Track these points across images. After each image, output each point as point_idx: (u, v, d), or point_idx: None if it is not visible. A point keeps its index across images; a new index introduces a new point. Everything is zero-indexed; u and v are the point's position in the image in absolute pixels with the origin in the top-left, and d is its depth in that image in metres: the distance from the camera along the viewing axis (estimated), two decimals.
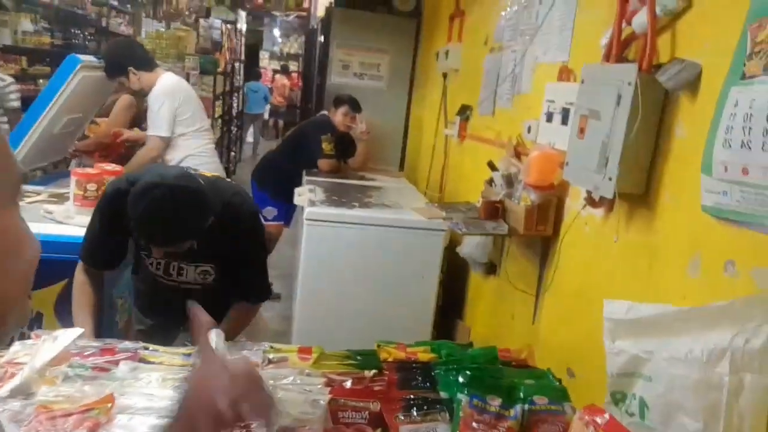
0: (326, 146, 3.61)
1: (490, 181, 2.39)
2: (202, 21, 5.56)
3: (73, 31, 5.82)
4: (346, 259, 2.68)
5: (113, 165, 2.39)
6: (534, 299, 2.15)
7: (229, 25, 6.48)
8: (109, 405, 0.97)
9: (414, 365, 1.30)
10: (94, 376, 1.10)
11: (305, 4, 6.14)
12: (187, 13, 4.66)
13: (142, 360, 1.18)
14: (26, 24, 4.90)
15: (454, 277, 3.01)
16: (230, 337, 1.60)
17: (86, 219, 2.20)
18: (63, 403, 0.99)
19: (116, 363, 1.15)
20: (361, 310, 2.69)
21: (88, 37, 6.20)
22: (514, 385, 1.21)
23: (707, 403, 1.10)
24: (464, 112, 3.15)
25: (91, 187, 2.20)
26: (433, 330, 2.83)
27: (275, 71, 13.28)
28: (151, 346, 1.24)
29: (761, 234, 1.11)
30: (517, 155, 2.36)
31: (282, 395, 1.12)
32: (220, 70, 5.64)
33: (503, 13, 2.67)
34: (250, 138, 11.45)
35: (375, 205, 2.90)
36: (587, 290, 1.78)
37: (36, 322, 1.86)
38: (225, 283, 1.69)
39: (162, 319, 1.86)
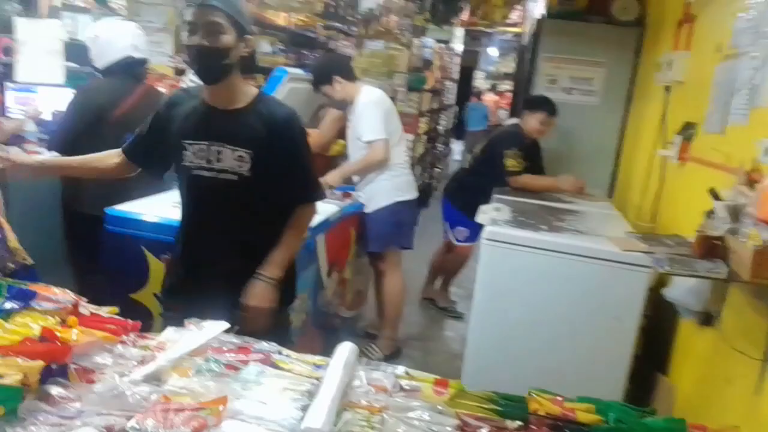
0: (510, 162, 3.38)
1: (710, 213, 1.97)
2: (415, 40, 5.73)
3: (303, 52, 6.45)
4: (527, 287, 2.43)
5: None
6: (761, 364, 1.69)
7: (442, 45, 6.60)
8: (221, 407, 0.94)
9: (569, 425, 1.06)
10: (223, 373, 1.10)
11: (514, 17, 5.95)
12: (397, 32, 4.83)
13: (273, 364, 1.15)
14: (265, 46, 5.54)
15: (658, 324, 2.56)
16: (292, 246, 1.81)
17: None
18: (184, 397, 1.00)
19: (247, 363, 1.13)
20: (542, 346, 2.41)
21: (317, 58, 6.81)
22: None
23: None
24: (687, 130, 2.68)
25: None
26: (628, 383, 2.43)
27: (487, 90, 13.26)
28: (285, 351, 1.21)
29: None
30: (750, 183, 1.90)
31: (404, 431, 0.99)
32: (427, 87, 5.75)
33: (742, 15, 2.20)
34: (457, 156, 11.60)
35: (566, 230, 2.60)
36: None
37: None
38: (259, 177, 1.72)
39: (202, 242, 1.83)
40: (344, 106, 3.23)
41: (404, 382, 1.16)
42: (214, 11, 1.60)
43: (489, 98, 12.58)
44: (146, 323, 1.78)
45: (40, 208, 2.55)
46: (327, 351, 2.69)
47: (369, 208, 3.19)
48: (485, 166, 3.65)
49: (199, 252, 1.83)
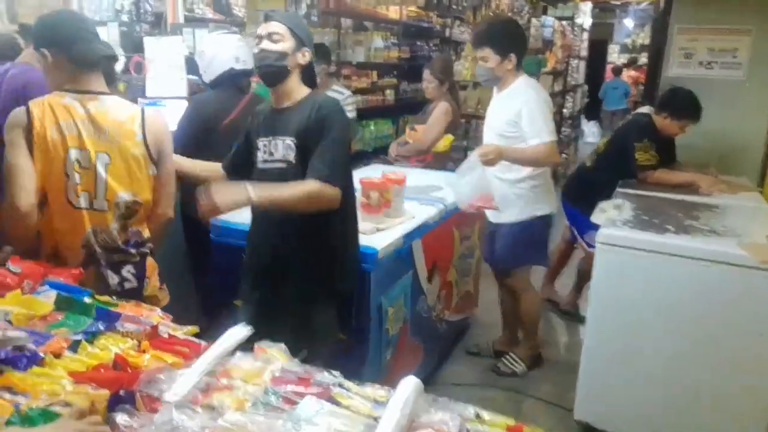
0: (641, 156, 3.02)
1: None
2: (534, 20, 5.39)
3: (418, 43, 6.36)
4: (651, 296, 2.18)
5: (398, 173, 2.44)
6: None
7: (564, 22, 6.15)
8: None
9: None
10: (279, 407, 1.06)
11: None
12: (510, 14, 4.54)
13: (331, 398, 1.09)
14: (378, 41, 5.54)
15: None
16: (278, 195, 1.79)
17: (370, 225, 2.30)
18: None
19: (304, 396, 1.09)
20: (668, 364, 2.15)
21: (432, 48, 6.69)
22: None
23: None
24: None
25: (374, 194, 2.27)
26: None
27: (624, 65, 12.24)
28: (346, 383, 1.15)
29: None
30: None
31: None
32: (547, 69, 5.39)
33: None
34: (590, 138, 10.83)
35: (698, 230, 2.28)
36: None
37: None
38: (303, 163, 1.84)
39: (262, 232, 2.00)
40: (491, 82, 2.78)
41: (470, 426, 1.05)
42: (276, 23, 1.86)
43: (629, 74, 11.61)
44: None
45: None
46: (427, 360, 2.61)
47: (499, 218, 2.84)
48: (611, 162, 3.30)
49: (261, 244, 2.00)
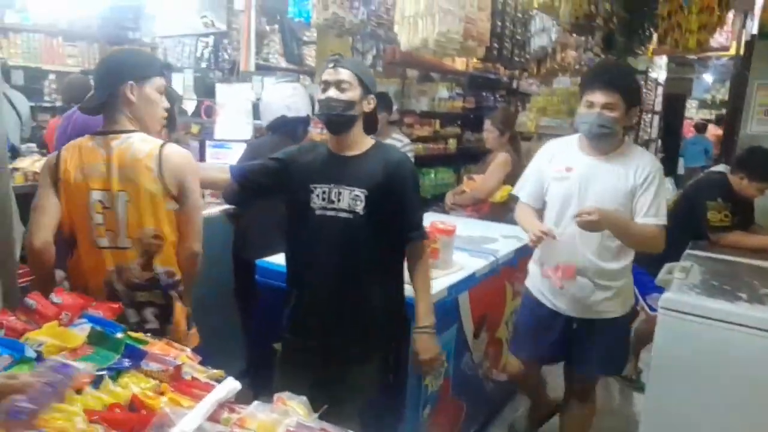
0: (713, 216, 2.81)
1: None
2: None
3: (484, 93, 6.37)
4: (717, 371, 1.97)
5: (447, 224, 2.37)
6: None
7: (638, 76, 5.97)
8: None
9: None
10: None
11: (721, 40, 5.10)
12: (577, 67, 4.48)
13: None
14: (442, 92, 5.59)
15: None
16: (427, 286, 1.93)
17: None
18: None
19: None
20: None
21: (498, 99, 6.68)
22: None
23: None
24: None
25: None
26: None
27: (705, 121, 11.72)
28: None
29: None
30: None
31: None
32: None
33: None
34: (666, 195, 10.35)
35: None
36: None
37: None
38: (371, 215, 1.84)
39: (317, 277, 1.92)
40: (605, 134, 2.15)
41: None
42: (344, 70, 1.86)
43: (713, 132, 11.12)
44: None
45: (216, 252, 2.77)
46: (471, 420, 2.47)
47: (589, 314, 2.26)
48: (680, 221, 3.07)
49: (311, 290, 1.95)
